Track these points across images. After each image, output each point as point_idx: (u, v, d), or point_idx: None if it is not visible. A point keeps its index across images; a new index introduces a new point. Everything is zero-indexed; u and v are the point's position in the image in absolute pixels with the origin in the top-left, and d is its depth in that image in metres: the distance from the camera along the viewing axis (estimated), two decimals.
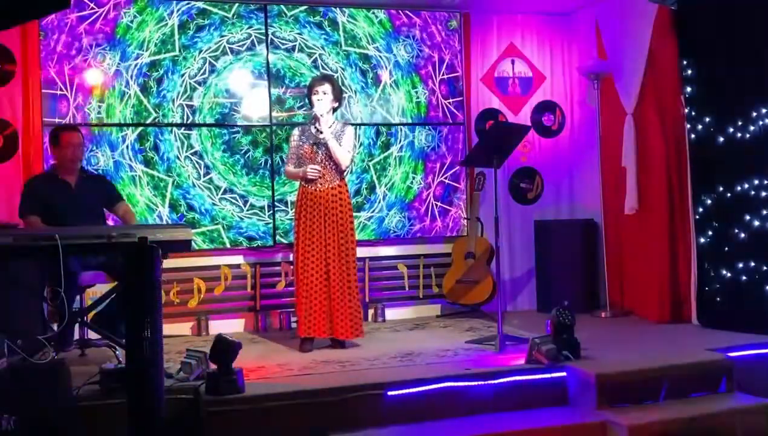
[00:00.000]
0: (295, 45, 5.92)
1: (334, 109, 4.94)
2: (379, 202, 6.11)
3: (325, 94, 4.79)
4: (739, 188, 4.99)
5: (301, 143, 4.86)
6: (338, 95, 4.90)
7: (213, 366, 3.78)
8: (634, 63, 5.72)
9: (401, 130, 6.16)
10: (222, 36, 5.74)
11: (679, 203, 5.45)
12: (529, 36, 6.54)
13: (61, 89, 5.36)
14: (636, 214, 5.76)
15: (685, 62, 5.35)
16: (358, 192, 6.03)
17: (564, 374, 4.08)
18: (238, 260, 5.76)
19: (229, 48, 5.76)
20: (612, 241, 6.01)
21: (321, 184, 4.79)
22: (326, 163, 4.79)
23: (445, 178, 6.26)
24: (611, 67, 5.94)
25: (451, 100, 6.29)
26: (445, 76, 6.27)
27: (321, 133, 4.78)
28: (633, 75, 5.74)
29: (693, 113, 5.30)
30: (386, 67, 6.12)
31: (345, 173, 4.91)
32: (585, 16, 6.33)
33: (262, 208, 5.80)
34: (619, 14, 5.90)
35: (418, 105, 6.21)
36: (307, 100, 5.02)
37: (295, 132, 4.98)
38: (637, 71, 5.69)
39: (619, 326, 5.49)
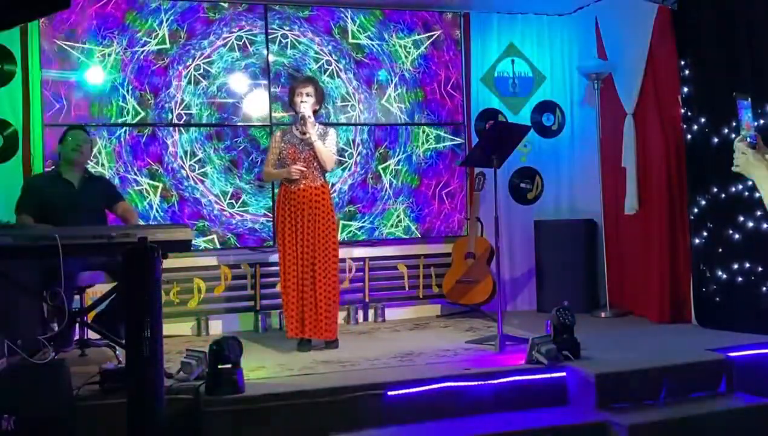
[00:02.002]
0: (298, 45, 5.93)
1: (316, 112, 4.94)
2: (386, 190, 6.12)
3: (308, 96, 4.81)
4: (733, 189, 5.00)
5: (284, 145, 4.87)
6: (321, 97, 4.92)
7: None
8: (634, 63, 5.72)
9: (400, 145, 6.15)
10: (225, 34, 5.74)
11: (679, 203, 5.45)
12: (529, 36, 6.53)
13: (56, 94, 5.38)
14: (636, 215, 5.76)
15: (683, 62, 5.35)
16: (364, 181, 6.06)
17: (564, 374, 4.09)
18: (238, 260, 5.76)
19: (229, 48, 5.76)
20: (612, 241, 6.01)
21: (303, 183, 4.80)
22: (310, 163, 4.80)
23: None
24: (611, 67, 5.94)
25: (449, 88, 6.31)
26: (449, 92, 6.29)
27: (305, 134, 4.79)
28: (633, 75, 5.74)
29: (689, 114, 5.31)
30: (386, 66, 6.14)
31: (327, 173, 4.92)
32: (585, 16, 6.33)
33: (266, 208, 5.81)
34: (619, 14, 5.90)
35: (415, 93, 6.22)
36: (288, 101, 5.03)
37: (277, 134, 5.01)
38: (637, 71, 5.69)
39: (619, 326, 5.49)
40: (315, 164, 4.81)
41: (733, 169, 2.91)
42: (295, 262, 4.77)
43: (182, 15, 5.66)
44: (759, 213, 4.84)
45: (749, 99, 2.90)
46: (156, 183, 5.56)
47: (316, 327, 4.76)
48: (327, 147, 4.82)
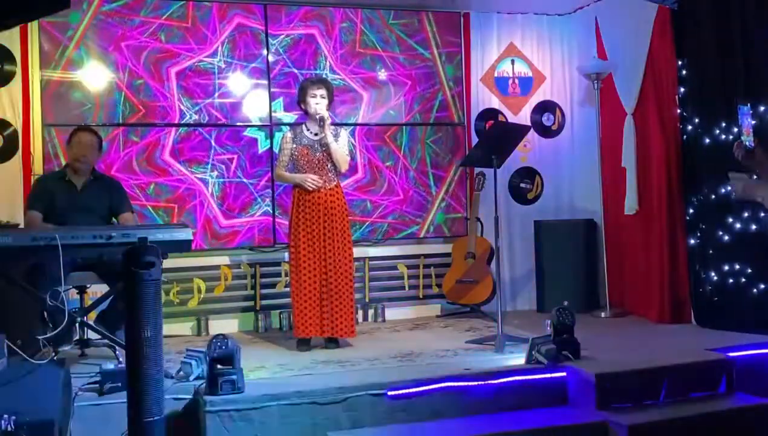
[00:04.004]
0: (297, 45, 5.93)
1: None
2: (393, 178, 6.13)
3: (323, 97, 4.80)
4: (723, 190, 5.02)
5: (295, 145, 4.86)
6: (332, 98, 4.92)
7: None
8: (634, 63, 5.72)
9: (401, 161, 6.16)
10: (225, 33, 5.74)
11: (679, 203, 5.45)
12: (529, 36, 6.54)
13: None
14: (636, 215, 5.76)
15: (680, 63, 5.36)
16: (363, 189, 6.07)
17: (564, 374, 4.09)
18: (238, 259, 5.76)
19: (229, 47, 5.76)
20: (612, 241, 6.01)
21: (318, 187, 4.79)
22: (324, 164, 4.80)
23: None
24: (611, 67, 5.94)
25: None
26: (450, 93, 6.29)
27: (317, 135, 4.79)
28: (633, 75, 5.74)
29: (685, 114, 5.33)
30: (386, 65, 6.13)
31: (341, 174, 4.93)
32: (585, 16, 6.33)
33: (267, 208, 5.80)
34: (619, 14, 5.90)
35: (414, 93, 6.22)
36: (297, 102, 5.00)
37: (288, 134, 4.97)
38: (637, 71, 5.69)
39: (619, 326, 5.49)
40: (329, 166, 4.81)
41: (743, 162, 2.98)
42: (310, 263, 4.77)
43: (182, 13, 5.66)
44: (746, 215, 4.89)
45: (749, 105, 2.97)
46: (154, 186, 5.56)
47: (334, 326, 4.77)
48: (340, 148, 4.82)
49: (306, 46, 5.94)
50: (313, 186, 4.77)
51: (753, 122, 3.02)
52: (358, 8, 6.06)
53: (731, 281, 4.99)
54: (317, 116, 4.77)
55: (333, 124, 4.93)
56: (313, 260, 4.77)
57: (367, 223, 6.04)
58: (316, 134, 4.81)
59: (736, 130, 4.85)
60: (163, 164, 5.58)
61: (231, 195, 5.73)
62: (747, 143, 2.96)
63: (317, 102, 4.78)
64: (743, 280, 4.91)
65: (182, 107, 5.64)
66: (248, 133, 5.82)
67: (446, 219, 6.27)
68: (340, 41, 6.02)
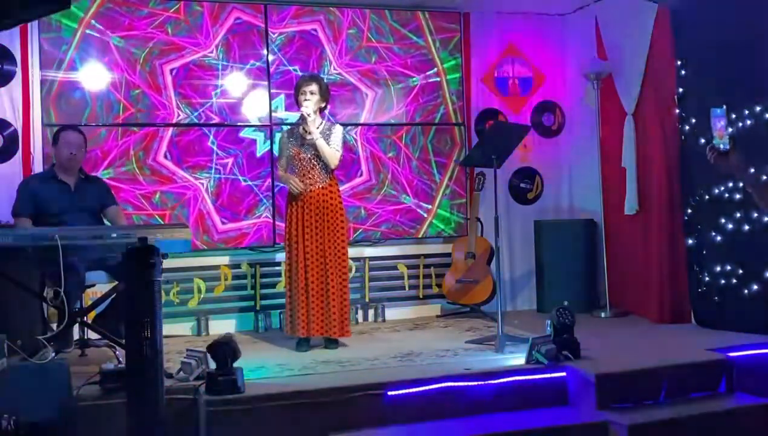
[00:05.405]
0: (298, 43, 5.92)
1: (322, 109, 4.93)
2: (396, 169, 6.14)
3: (312, 94, 4.78)
4: (716, 191, 5.04)
5: (289, 145, 4.87)
6: (326, 95, 4.90)
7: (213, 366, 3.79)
8: (634, 63, 5.72)
9: (403, 151, 6.16)
10: (224, 33, 5.74)
11: (679, 203, 5.45)
12: (529, 36, 6.53)
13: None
14: (636, 215, 5.76)
15: (680, 63, 5.36)
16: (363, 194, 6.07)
17: (564, 374, 4.09)
18: (238, 260, 5.76)
19: (228, 47, 5.76)
20: (612, 241, 6.01)
21: (310, 185, 4.79)
22: (315, 163, 4.79)
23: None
24: (611, 67, 5.94)
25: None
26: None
27: (309, 133, 4.78)
28: (633, 75, 5.74)
29: (683, 114, 5.33)
30: (386, 65, 6.13)
31: (333, 171, 4.91)
32: (585, 16, 6.33)
33: (267, 208, 5.79)
34: (619, 14, 5.90)
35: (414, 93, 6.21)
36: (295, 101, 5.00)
37: (284, 134, 5.00)
38: (637, 71, 5.69)
39: (619, 326, 5.49)
40: (320, 164, 4.80)
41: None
42: (303, 263, 4.76)
43: (182, 12, 5.65)
44: (738, 215, 4.91)
45: (724, 107, 2.95)
46: (159, 194, 5.55)
47: (327, 326, 4.76)
48: (332, 145, 4.80)
49: (301, 43, 5.92)
50: (295, 189, 4.77)
51: (723, 124, 3.00)
52: (357, 8, 6.04)
53: (731, 281, 4.99)
54: (301, 114, 4.79)
55: (332, 122, 4.93)
56: (305, 258, 4.76)
57: (359, 230, 6.03)
58: (308, 133, 4.80)
59: (730, 130, 4.85)
60: (167, 172, 5.56)
61: (236, 198, 5.72)
62: (720, 146, 2.95)
63: (306, 99, 4.78)
64: (743, 280, 4.90)
65: (181, 114, 5.62)
66: (249, 134, 5.81)
67: (451, 205, 6.25)
68: (342, 42, 6.00)
